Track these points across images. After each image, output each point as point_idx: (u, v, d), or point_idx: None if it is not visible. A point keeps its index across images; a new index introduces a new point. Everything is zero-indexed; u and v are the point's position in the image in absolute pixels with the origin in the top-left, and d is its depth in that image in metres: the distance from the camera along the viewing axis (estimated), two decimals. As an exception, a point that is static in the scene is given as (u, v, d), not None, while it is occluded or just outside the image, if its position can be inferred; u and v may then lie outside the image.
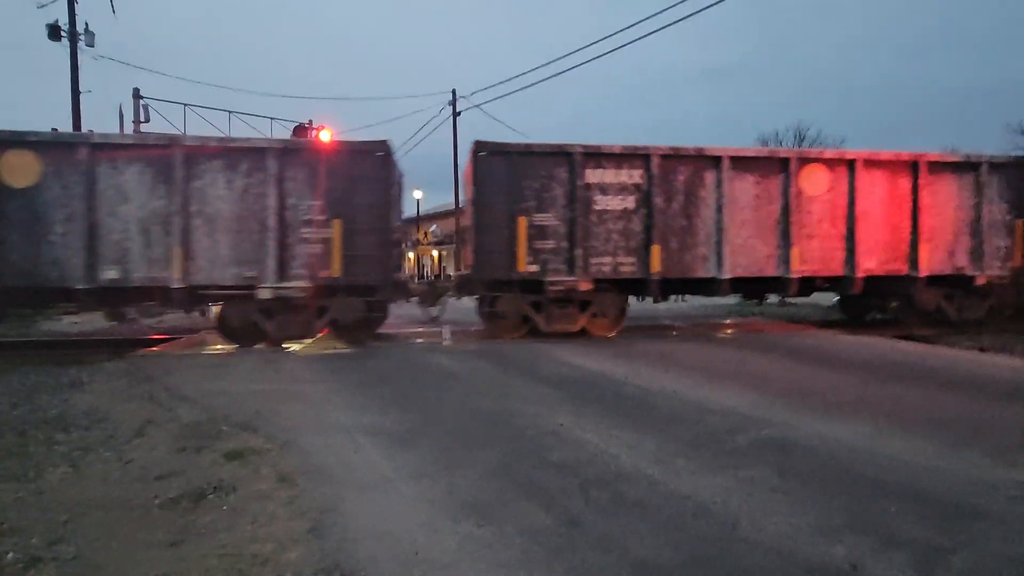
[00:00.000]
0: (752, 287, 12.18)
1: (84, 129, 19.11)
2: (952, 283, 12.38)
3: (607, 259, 11.19)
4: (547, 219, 11.02)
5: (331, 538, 3.39)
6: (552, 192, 11.04)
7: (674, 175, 11.35)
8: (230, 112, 21.87)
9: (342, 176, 10.55)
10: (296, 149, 10.83)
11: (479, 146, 11.03)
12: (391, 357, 9.56)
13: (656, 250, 11.21)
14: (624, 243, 11.23)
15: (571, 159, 11.03)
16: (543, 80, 28.43)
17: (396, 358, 9.45)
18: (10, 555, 3.19)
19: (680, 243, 11.38)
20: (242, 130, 22.23)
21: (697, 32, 58.38)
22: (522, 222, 10.92)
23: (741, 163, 11.53)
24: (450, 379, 7.89)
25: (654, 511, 3.73)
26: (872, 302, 13.59)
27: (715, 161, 11.41)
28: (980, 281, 12.22)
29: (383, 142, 10.96)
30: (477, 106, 28.40)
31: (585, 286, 11.07)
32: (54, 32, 19.05)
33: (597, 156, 11.17)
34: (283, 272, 10.40)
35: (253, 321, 10.63)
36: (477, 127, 37.00)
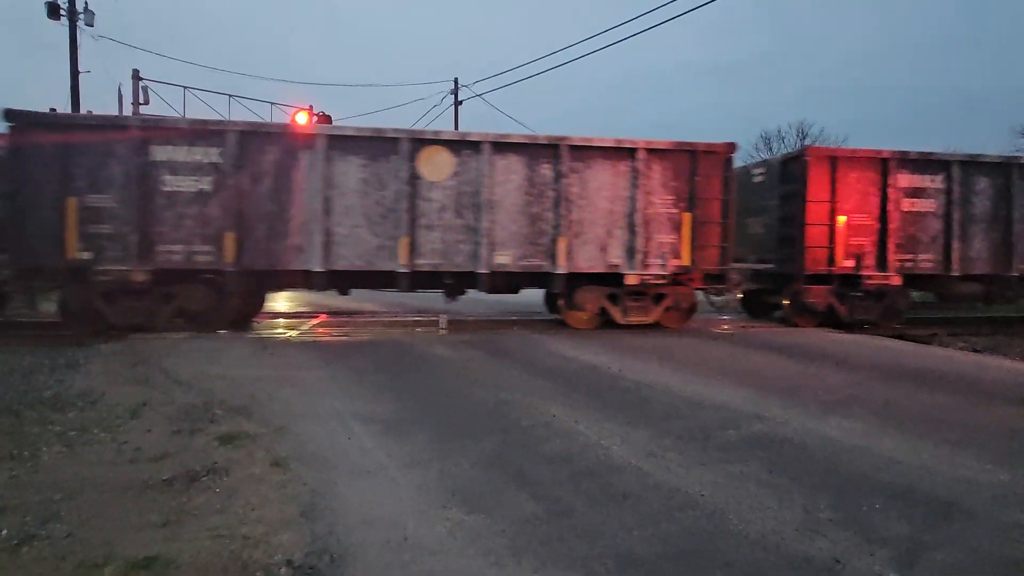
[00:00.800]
0: (361, 281, 11.09)
1: (82, 110, 19.02)
2: (614, 282, 11.34)
3: (179, 247, 9.97)
4: (103, 200, 9.75)
5: (322, 522, 3.43)
6: (110, 170, 9.77)
7: (260, 155, 10.15)
8: (230, 96, 21.81)
9: None
10: None
11: (13, 116, 9.64)
12: (386, 346, 9.59)
13: (230, 238, 10.00)
14: (200, 229, 10.00)
15: (132, 133, 9.85)
16: (547, 70, 28.36)
17: (390, 347, 9.48)
18: (3, 532, 3.22)
19: (268, 231, 10.19)
20: (242, 114, 22.17)
21: (706, 29, 58.11)
22: (71, 203, 9.63)
23: (343, 143, 10.37)
24: (446, 368, 7.92)
25: (643, 503, 3.78)
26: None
27: (310, 140, 10.30)
28: (631, 281, 11.15)
29: None
30: (479, 95, 28.35)
31: (140, 276, 9.84)
32: (53, 10, 18.87)
33: (164, 131, 10.00)
34: None
35: None
36: (479, 116, 36.93)
